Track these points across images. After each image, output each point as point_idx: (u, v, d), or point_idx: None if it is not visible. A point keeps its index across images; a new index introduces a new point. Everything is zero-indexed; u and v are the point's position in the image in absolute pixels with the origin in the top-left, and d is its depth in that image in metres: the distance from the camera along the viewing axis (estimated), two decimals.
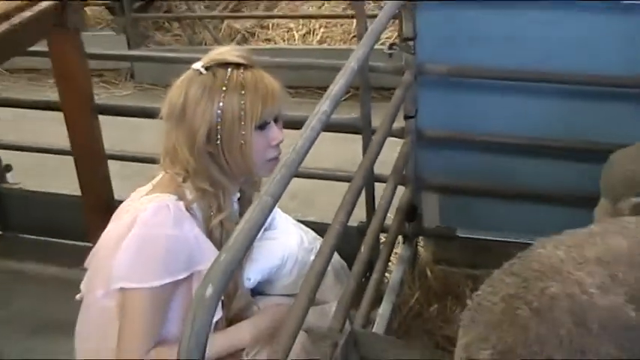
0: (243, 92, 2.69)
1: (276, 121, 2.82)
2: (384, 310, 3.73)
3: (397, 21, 5.40)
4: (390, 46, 4.03)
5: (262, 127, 2.75)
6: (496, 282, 2.52)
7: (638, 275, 2.47)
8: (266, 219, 1.93)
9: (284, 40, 8.13)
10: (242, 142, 2.71)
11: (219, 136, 2.70)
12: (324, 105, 2.38)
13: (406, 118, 4.05)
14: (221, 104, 2.68)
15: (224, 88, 2.69)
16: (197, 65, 2.77)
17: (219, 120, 2.69)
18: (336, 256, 3.38)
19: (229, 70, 2.73)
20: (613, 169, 3.43)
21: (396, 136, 4.08)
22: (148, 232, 2.66)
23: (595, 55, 3.84)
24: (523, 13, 3.84)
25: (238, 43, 7.81)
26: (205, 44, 8.05)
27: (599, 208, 3.47)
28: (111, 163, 4.26)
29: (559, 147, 4.08)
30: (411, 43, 3.90)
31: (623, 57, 3.82)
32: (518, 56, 3.91)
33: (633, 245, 2.57)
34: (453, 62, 3.98)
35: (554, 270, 2.44)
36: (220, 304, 2.73)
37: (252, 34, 8.28)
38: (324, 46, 7.86)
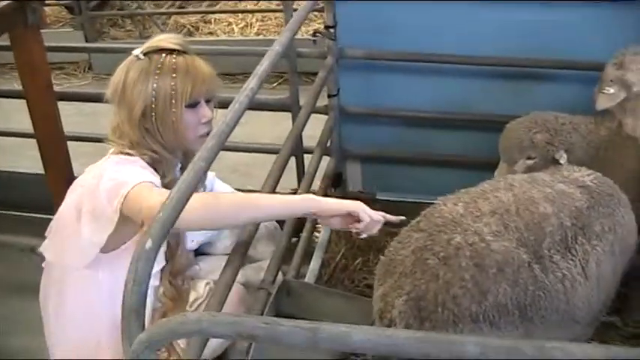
0: (174, 75, 2.71)
1: (208, 101, 2.83)
2: (313, 265, 3.79)
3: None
4: (314, 34, 4.03)
5: (193, 105, 2.76)
6: (405, 238, 2.58)
7: (526, 223, 2.56)
8: (199, 181, 1.94)
9: (225, 33, 8.11)
10: (174, 119, 2.73)
11: (153, 114, 2.72)
12: (251, 83, 2.41)
13: (329, 96, 4.10)
14: (155, 85, 2.70)
15: (157, 71, 2.71)
16: (136, 51, 2.78)
17: (154, 99, 2.71)
18: None
19: (164, 55, 2.75)
20: (509, 137, 3.51)
21: (321, 113, 4.12)
22: (120, 161, 2.68)
23: (494, 40, 3.93)
24: (428, 4, 3.90)
25: (184, 37, 7.75)
26: None
27: (498, 171, 3.55)
28: (70, 145, 4.19)
29: (464, 119, 4.18)
30: (332, 30, 3.93)
31: (519, 41, 3.91)
32: (427, 41, 3.98)
33: (519, 199, 2.65)
34: (369, 47, 4.03)
35: (455, 223, 2.51)
36: (164, 255, 2.76)
37: (197, 28, 8.25)
38: (260, 37, 7.86)
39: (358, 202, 2.70)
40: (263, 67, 2.53)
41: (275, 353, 2.61)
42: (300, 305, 2.93)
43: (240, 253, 2.47)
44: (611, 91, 3.43)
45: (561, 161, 3.38)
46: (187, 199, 1.82)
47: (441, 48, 3.96)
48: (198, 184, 2.79)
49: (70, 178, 3.75)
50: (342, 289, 3.81)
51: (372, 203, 4.36)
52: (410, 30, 3.97)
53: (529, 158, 3.44)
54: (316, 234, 4.14)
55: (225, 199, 2.60)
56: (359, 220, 2.66)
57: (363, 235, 2.73)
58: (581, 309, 2.62)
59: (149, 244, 1.63)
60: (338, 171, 4.26)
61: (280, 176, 2.94)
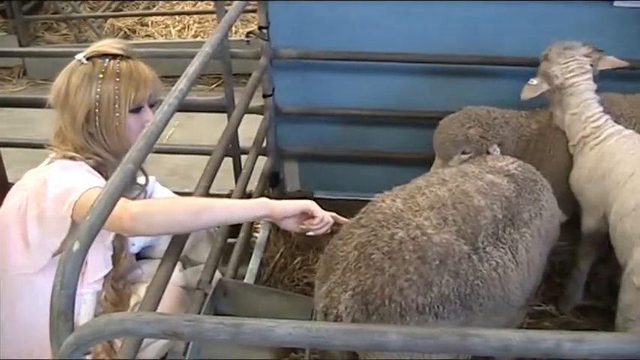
0: (118, 80, 2.71)
1: (152, 105, 2.82)
2: (252, 265, 3.80)
3: None
4: (247, 35, 4.06)
5: (137, 110, 2.77)
6: (346, 235, 2.61)
7: (463, 216, 2.63)
8: (127, 183, 1.94)
9: (162, 36, 8.05)
10: (117, 123, 2.73)
11: (97, 118, 2.71)
12: (180, 84, 2.42)
13: (264, 96, 4.12)
14: (98, 90, 2.69)
15: (101, 76, 2.71)
16: (79, 56, 2.77)
17: (97, 104, 2.70)
18: None
19: (107, 60, 2.75)
20: (443, 132, 3.57)
21: (256, 113, 4.13)
22: (65, 166, 2.65)
23: (427, 37, 4.01)
24: (360, 3, 3.96)
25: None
26: (91, 42, 7.86)
27: (434, 166, 3.62)
28: (4, 151, 4.12)
29: (399, 116, 4.24)
30: (265, 31, 3.95)
31: (451, 38, 4.00)
32: (361, 39, 4.04)
33: (454, 193, 2.71)
34: (303, 46, 4.06)
35: (397, 218, 2.56)
36: (110, 259, 2.74)
37: (134, 31, 8.16)
38: (198, 39, 7.82)
39: (310, 201, 2.75)
40: (193, 68, 2.54)
41: (212, 353, 2.62)
42: (237, 305, 2.94)
43: (174, 254, 2.47)
44: (535, 82, 3.54)
45: (494, 154, 3.46)
46: (116, 202, 1.82)
47: (374, 46, 4.02)
48: (133, 185, 2.83)
49: (3, 184, 3.70)
50: (282, 289, 3.84)
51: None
52: (343, 29, 4.02)
53: (464, 153, 3.51)
54: (255, 234, 4.17)
55: (181, 204, 2.61)
56: (313, 218, 2.71)
57: (311, 233, 2.77)
58: (515, 294, 2.71)
59: (76, 246, 1.63)
60: (275, 171, 4.29)
61: (213, 178, 2.95)
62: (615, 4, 3.89)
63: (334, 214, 2.80)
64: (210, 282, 2.90)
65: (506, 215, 2.74)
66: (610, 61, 3.55)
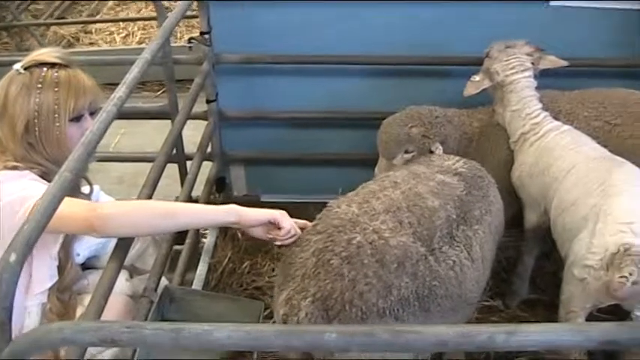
0: (57, 89, 2.68)
1: (92, 113, 2.80)
2: (200, 270, 3.79)
3: None
4: (189, 40, 4.04)
5: (77, 119, 2.74)
6: (303, 242, 2.61)
7: (418, 218, 2.67)
8: (66, 191, 1.93)
9: (106, 43, 7.97)
10: (57, 133, 2.70)
11: (36, 129, 2.68)
12: (119, 91, 2.41)
13: (208, 102, 4.12)
14: (37, 100, 2.66)
15: (39, 86, 2.68)
16: (17, 66, 2.74)
17: (36, 114, 2.67)
18: None
19: (45, 69, 2.72)
20: (386, 132, 3.62)
21: (200, 119, 4.13)
22: (11, 177, 2.61)
23: (369, 39, 4.05)
24: (301, 6, 3.99)
25: (64, 48, 7.58)
26: (34, 51, 7.75)
27: (378, 166, 3.66)
28: None
29: (343, 118, 4.27)
30: (207, 36, 3.95)
31: (393, 39, 4.04)
32: (303, 42, 4.06)
33: (407, 195, 2.75)
34: (246, 51, 4.07)
35: (353, 223, 2.58)
36: (56, 270, 2.72)
37: (77, 39, 8.06)
38: (143, 45, 7.74)
39: (280, 211, 2.74)
40: (132, 75, 2.54)
41: (161, 353, 2.62)
42: (184, 311, 2.94)
43: (118, 262, 2.46)
44: (477, 78, 3.62)
45: (437, 152, 3.51)
46: (54, 211, 1.81)
47: (317, 49, 4.04)
48: (77, 194, 2.80)
49: None
50: (230, 293, 3.84)
51: (257, 206, 4.47)
52: (286, 32, 4.05)
53: (407, 152, 3.55)
54: (203, 240, 4.16)
55: (151, 206, 2.60)
56: (280, 228, 2.70)
57: (278, 243, 2.75)
58: (472, 290, 2.77)
59: (13, 257, 1.62)
60: (221, 175, 4.28)
61: (156, 184, 2.93)
62: (552, 3, 3.99)
63: (305, 222, 2.77)
64: (156, 289, 2.89)
65: (459, 214, 2.79)
66: (551, 61, 3.64)
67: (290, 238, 2.72)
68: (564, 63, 3.67)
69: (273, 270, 4.10)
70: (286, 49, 4.05)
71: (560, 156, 3.35)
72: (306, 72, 4.15)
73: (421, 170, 3.00)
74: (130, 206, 2.54)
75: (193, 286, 3.59)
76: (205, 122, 4.21)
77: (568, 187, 3.20)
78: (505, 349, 1.44)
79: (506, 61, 3.57)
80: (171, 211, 2.58)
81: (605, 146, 3.41)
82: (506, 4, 3.98)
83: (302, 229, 2.74)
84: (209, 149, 4.19)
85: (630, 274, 2.63)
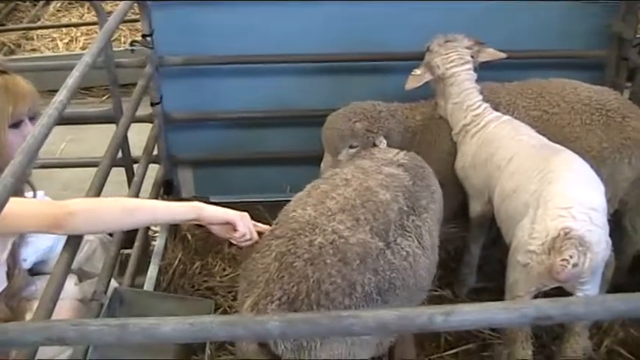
0: None
1: (32, 119, 2.78)
2: (151, 273, 3.80)
3: None
4: (132, 43, 4.04)
5: (17, 125, 2.71)
6: (263, 247, 2.64)
7: (373, 213, 2.71)
8: (8, 197, 1.93)
9: (49, 49, 7.88)
10: None
11: None
12: (60, 96, 2.39)
13: (152, 104, 4.11)
14: None
15: None
16: None
17: None
18: None
19: None
20: (330, 127, 3.66)
21: (145, 122, 4.13)
22: None
23: (312, 37, 4.10)
24: (239, 8, 4.02)
25: (5, 55, 7.48)
26: None
27: (324, 161, 3.70)
28: None
29: (289, 116, 4.31)
30: (149, 39, 3.95)
31: (335, 36, 4.10)
32: (247, 42, 4.09)
33: (359, 192, 2.80)
34: (189, 52, 4.08)
35: (312, 225, 2.62)
36: (5, 276, 2.71)
37: (19, 46, 7.96)
38: (86, 51, 7.67)
39: (242, 213, 2.77)
40: (72, 79, 2.52)
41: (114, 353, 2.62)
42: (135, 312, 2.95)
43: (64, 265, 2.46)
44: (418, 72, 3.69)
45: (381, 146, 3.57)
46: None
47: (260, 48, 4.08)
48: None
49: None
50: (182, 294, 3.84)
51: None
52: (228, 33, 4.07)
53: (351, 147, 3.60)
54: (153, 242, 4.17)
55: (109, 203, 2.61)
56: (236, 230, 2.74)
57: (234, 242, 2.80)
58: (425, 278, 2.85)
59: None
60: (168, 178, 4.28)
61: (101, 189, 2.93)
62: None
63: (265, 226, 2.82)
64: (106, 292, 2.90)
65: (409, 204, 2.87)
66: (490, 53, 3.73)
67: (246, 241, 2.76)
68: (503, 55, 3.76)
69: (224, 270, 4.13)
70: (229, 49, 4.07)
71: (501, 145, 3.43)
72: (249, 72, 4.17)
73: (367, 164, 3.05)
74: (96, 203, 2.58)
75: (145, 288, 3.59)
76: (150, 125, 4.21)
77: (509, 175, 3.28)
78: (444, 329, 1.48)
79: (446, 54, 3.65)
80: (135, 207, 2.62)
81: (544, 135, 3.50)
82: None
83: (262, 233, 2.78)
84: (156, 152, 4.19)
85: (571, 257, 2.71)
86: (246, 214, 2.78)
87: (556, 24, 4.17)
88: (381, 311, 1.47)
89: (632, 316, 2.92)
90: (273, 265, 2.52)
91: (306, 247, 2.54)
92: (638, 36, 4.09)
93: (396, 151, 3.24)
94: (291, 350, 2.45)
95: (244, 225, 2.74)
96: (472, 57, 3.67)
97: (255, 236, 2.77)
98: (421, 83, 3.69)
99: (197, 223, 2.81)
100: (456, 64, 3.64)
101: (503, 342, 3.31)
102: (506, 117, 3.59)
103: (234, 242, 2.81)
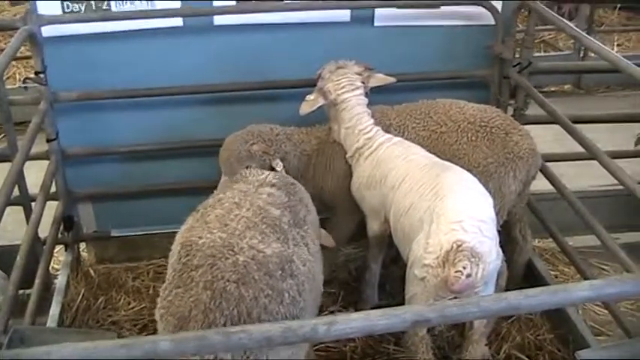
0: None
1: None
2: (53, 310, 3.78)
3: None
4: (24, 80, 4.02)
5: None
6: (184, 280, 2.63)
7: (272, 227, 2.81)
8: None
9: None
10: None
11: None
12: None
13: (48, 141, 4.08)
14: None
15: None
16: None
17: None
18: None
19: None
20: (227, 149, 3.75)
21: (42, 159, 4.10)
22: None
23: (205, 69, 4.18)
24: (131, 42, 4.07)
25: None
26: None
27: (221, 183, 3.76)
28: None
29: (186, 147, 4.35)
30: (42, 75, 3.93)
31: (227, 66, 4.20)
32: (140, 76, 4.13)
33: (254, 211, 2.88)
34: (82, 88, 4.08)
35: (228, 247, 2.67)
36: None
37: None
38: None
39: None
40: None
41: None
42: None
43: None
44: (312, 97, 3.81)
45: (278, 168, 3.68)
46: None
47: (153, 81, 4.12)
48: None
49: None
50: (83, 328, 3.83)
51: (108, 241, 4.48)
52: (121, 66, 4.11)
53: (248, 168, 3.68)
54: (55, 281, 4.14)
55: None
56: None
57: None
58: (320, 281, 3.00)
59: None
60: (68, 214, 4.26)
61: None
62: (376, 24, 4.25)
63: None
64: (5, 331, 2.88)
65: (292, 218, 2.99)
66: (379, 79, 3.87)
67: None
68: (392, 80, 3.90)
69: (129, 304, 4.14)
70: (123, 83, 4.11)
71: (394, 166, 3.56)
72: (144, 105, 4.21)
73: (245, 187, 3.13)
74: None
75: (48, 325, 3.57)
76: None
77: (403, 193, 3.42)
78: (328, 338, 1.57)
79: (337, 80, 3.77)
80: None
81: (434, 153, 3.67)
82: (334, 26, 4.21)
83: None
84: (54, 189, 4.16)
85: (464, 268, 2.85)
86: None
87: (441, 47, 4.37)
88: (266, 325, 1.55)
89: (504, 314, 3.11)
90: (205, 295, 2.52)
91: (232, 268, 2.58)
92: (517, 56, 4.32)
93: (267, 172, 3.33)
94: None
95: None
96: (363, 82, 3.80)
97: None
98: (314, 108, 3.80)
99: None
100: (347, 89, 3.76)
101: (406, 354, 3.42)
102: (397, 138, 3.74)
103: None
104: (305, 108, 3.82)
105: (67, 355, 1.49)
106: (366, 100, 3.81)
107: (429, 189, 3.28)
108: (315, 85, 3.87)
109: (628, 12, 9.06)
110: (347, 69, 3.81)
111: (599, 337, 3.84)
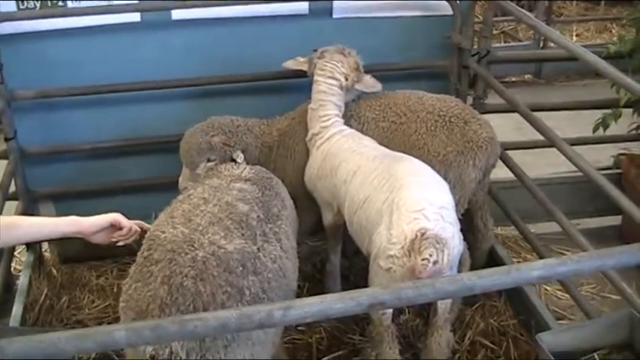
0: None
1: None
2: (15, 311, 3.74)
3: None
4: None
5: None
6: (144, 275, 2.61)
7: (238, 223, 2.80)
8: None
9: None
10: None
11: None
12: None
13: (7, 140, 4.04)
14: None
15: None
16: None
17: None
18: None
19: None
20: (188, 141, 3.73)
21: (1, 158, 4.07)
22: None
23: (165, 64, 4.18)
24: (88, 39, 4.04)
25: None
26: None
27: (182, 176, 3.78)
28: None
29: (146, 143, 4.33)
30: None
31: (190, 63, 4.21)
32: (98, 72, 4.11)
33: (221, 207, 2.88)
34: (40, 86, 4.05)
35: (188, 243, 2.66)
36: None
37: None
38: None
39: (116, 214, 2.89)
40: None
41: None
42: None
43: None
44: (302, 59, 3.90)
45: (238, 160, 3.67)
46: None
47: (113, 77, 4.10)
48: None
49: None
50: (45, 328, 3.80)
51: (71, 240, 4.42)
52: (80, 63, 4.08)
53: (209, 160, 3.68)
54: (17, 282, 4.10)
55: None
56: (121, 228, 2.87)
57: (121, 243, 2.90)
58: (292, 279, 2.98)
59: None
60: (30, 213, 4.21)
61: None
62: (335, 16, 4.27)
63: (140, 221, 2.95)
64: None
65: (264, 214, 2.98)
66: (365, 84, 3.87)
67: (132, 236, 2.90)
68: (377, 89, 3.92)
69: (93, 302, 4.11)
70: (82, 80, 4.08)
71: (345, 159, 3.57)
72: (104, 102, 4.18)
73: (217, 182, 3.14)
74: None
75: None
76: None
77: (357, 187, 3.42)
78: (284, 323, 1.58)
79: (326, 62, 3.79)
80: (12, 223, 2.64)
81: (393, 144, 3.69)
82: (293, 19, 4.22)
83: (141, 228, 2.93)
84: (13, 188, 4.13)
85: (430, 255, 2.86)
86: (119, 214, 2.91)
87: (400, 38, 4.39)
88: (221, 312, 1.55)
89: (458, 295, 3.14)
90: (163, 290, 2.50)
91: (190, 264, 2.56)
92: (474, 47, 4.35)
93: (243, 167, 3.35)
94: None
95: (126, 220, 2.88)
96: (345, 79, 3.80)
97: (138, 229, 2.91)
98: (296, 68, 3.90)
99: (80, 235, 2.86)
100: (324, 73, 3.78)
101: (371, 344, 3.43)
102: (350, 130, 3.76)
103: (120, 243, 2.90)
104: (289, 63, 3.92)
105: (22, 346, 1.48)
106: (338, 92, 3.79)
107: (383, 181, 3.29)
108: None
109: (586, 2, 9.18)
110: (344, 58, 3.82)
111: (561, 321, 3.88)
